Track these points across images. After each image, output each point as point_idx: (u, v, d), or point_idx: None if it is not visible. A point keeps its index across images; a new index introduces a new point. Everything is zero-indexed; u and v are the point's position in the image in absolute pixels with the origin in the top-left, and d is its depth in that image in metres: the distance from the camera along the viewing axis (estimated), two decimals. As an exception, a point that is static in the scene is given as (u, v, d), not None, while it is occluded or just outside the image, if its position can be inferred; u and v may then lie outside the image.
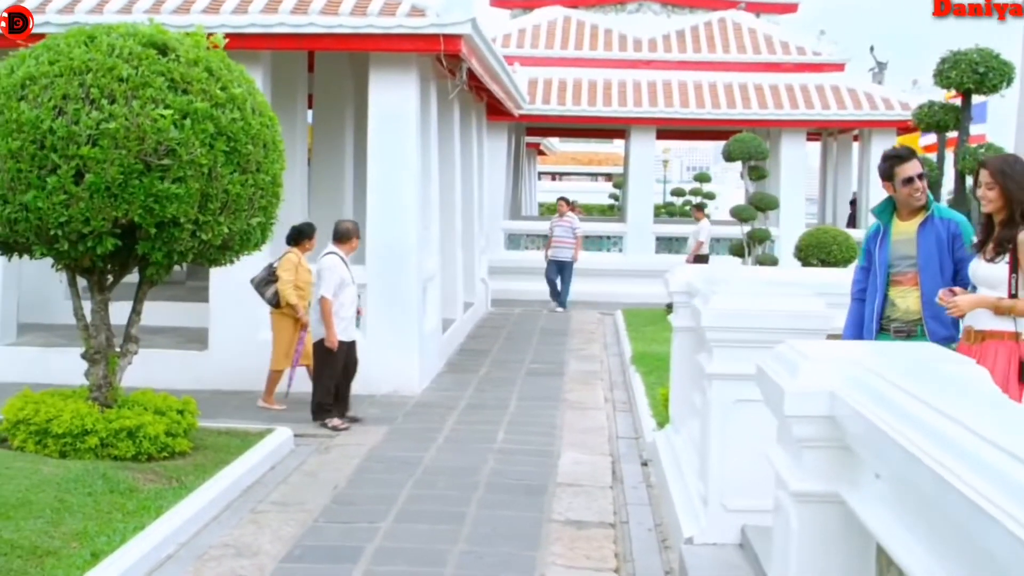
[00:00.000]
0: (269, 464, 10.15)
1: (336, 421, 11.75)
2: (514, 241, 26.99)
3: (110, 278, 10.02)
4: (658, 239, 27.10)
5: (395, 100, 13.84)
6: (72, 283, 10.04)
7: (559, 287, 23.60)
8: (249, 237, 9.79)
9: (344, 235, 12.26)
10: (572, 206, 25.47)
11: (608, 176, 65.71)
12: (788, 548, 4.51)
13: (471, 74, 15.88)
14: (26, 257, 12.30)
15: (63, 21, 12.74)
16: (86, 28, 9.63)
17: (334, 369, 11.95)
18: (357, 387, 13.42)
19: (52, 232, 8.99)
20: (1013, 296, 6.09)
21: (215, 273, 13.73)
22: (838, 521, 4.36)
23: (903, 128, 25.61)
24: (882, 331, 7.19)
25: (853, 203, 29.73)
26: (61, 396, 10.03)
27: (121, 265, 9.81)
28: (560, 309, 23.17)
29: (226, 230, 9.39)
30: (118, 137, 8.76)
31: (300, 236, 12.63)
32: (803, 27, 30.85)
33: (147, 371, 11.48)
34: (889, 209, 7.28)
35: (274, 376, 12.71)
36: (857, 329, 7.41)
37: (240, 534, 8.12)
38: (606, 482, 9.84)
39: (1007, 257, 6.15)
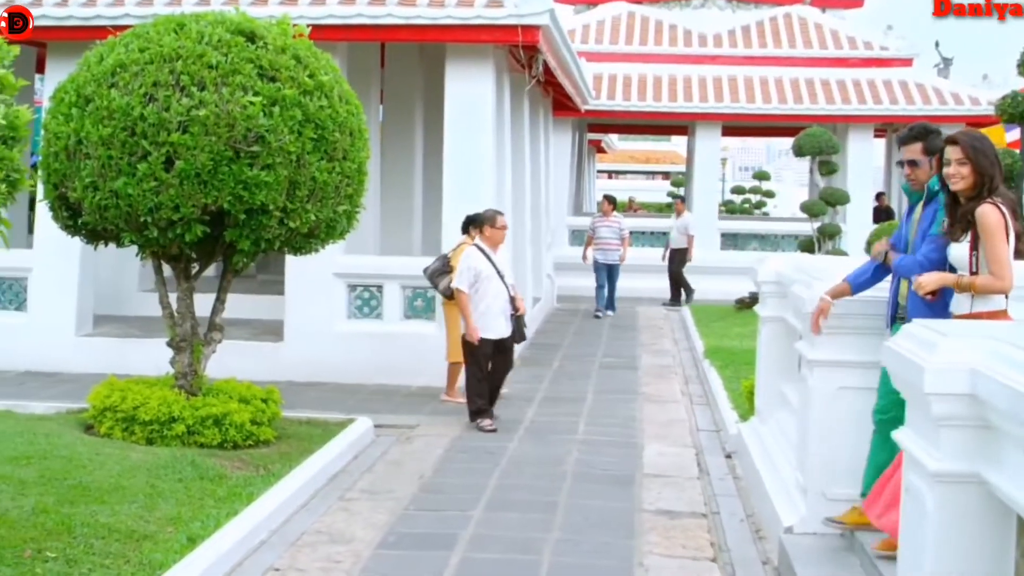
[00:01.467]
0: (352, 453, 10.13)
1: (486, 422, 11.21)
2: (578, 237, 26.82)
3: (196, 266, 10.04)
4: (723, 236, 26.90)
5: (472, 92, 13.80)
6: (158, 271, 10.07)
7: (608, 291, 21.86)
8: (335, 225, 9.77)
9: (476, 221, 11.84)
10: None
11: (665, 174, 65.35)
12: (923, 531, 4.41)
13: (542, 67, 15.83)
14: (102, 250, 12.47)
15: (142, 13, 12.86)
16: (174, 16, 9.64)
17: (478, 367, 11.36)
18: (433, 379, 13.44)
19: (142, 219, 9.02)
20: (975, 274, 5.90)
21: (291, 266, 13.76)
22: (978, 501, 4.26)
23: (972, 123, 25.28)
24: (895, 320, 6.71)
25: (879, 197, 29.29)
26: (146, 384, 10.06)
27: (207, 253, 9.83)
28: (610, 312, 21.70)
29: (313, 218, 9.38)
30: (208, 124, 8.77)
31: (473, 224, 12.09)
32: (869, 22, 30.49)
33: (223, 362, 11.48)
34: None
35: (453, 369, 12.65)
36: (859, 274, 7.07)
37: (331, 521, 8.10)
38: (692, 473, 9.74)
39: (970, 236, 5.95)
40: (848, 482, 7.07)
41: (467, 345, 11.37)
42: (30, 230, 13.64)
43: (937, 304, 6.32)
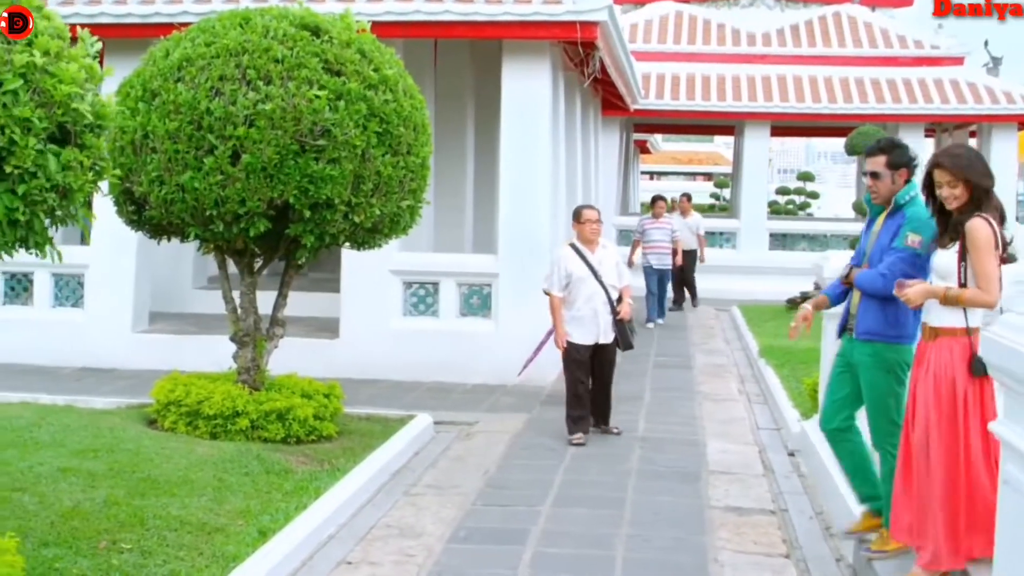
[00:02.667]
0: (414, 449, 10.11)
1: (577, 435, 10.48)
2: (624, 237, 26.69)
3: (259, 261, 10.04)
4: (772, 236, 26.75)
5: (528, 88, 13.73)
6: (221, 266, 10.07)
7: (658, 297, 20.34)
8: (399, 220, 9.74)
9: (573, 216, 11.10)
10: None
11: (708, 175, 65.15)
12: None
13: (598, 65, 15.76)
14: (156, 247, 12.50)
15: (200, 10, 12.88)
16: (239, 11, 9.64)
17: (573, 374, 10.64)
18: (489, 377, 13.41)
19: (208, 213, 9.02)
20: (963, 285, 5.85)
21: (347, 263, 13.77)
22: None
23: (1024, 123, 25.13)
24: (845, 330, 6.98)
25: None
26: (209, 379, 10.07)
27: (271, 248, 9.82)
28: (660, 321, 20.19)
29: (377, 212, 9.36)
30: (274, 118, 8.76)
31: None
32: (919, 21, 30.20)
33: (280, 358, 11.48)
34: None
35: None
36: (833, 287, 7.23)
37: (400, 515, 8.07)
38: (758, 470, 9.66)
39: (958, 245, 5.88)
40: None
41: (564, 353, 10.72)
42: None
43: (888, 314, 6.58)
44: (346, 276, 13.96)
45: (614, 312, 10.71)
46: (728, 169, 48.58)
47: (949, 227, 5.97)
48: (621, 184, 29.84)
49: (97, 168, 5.19)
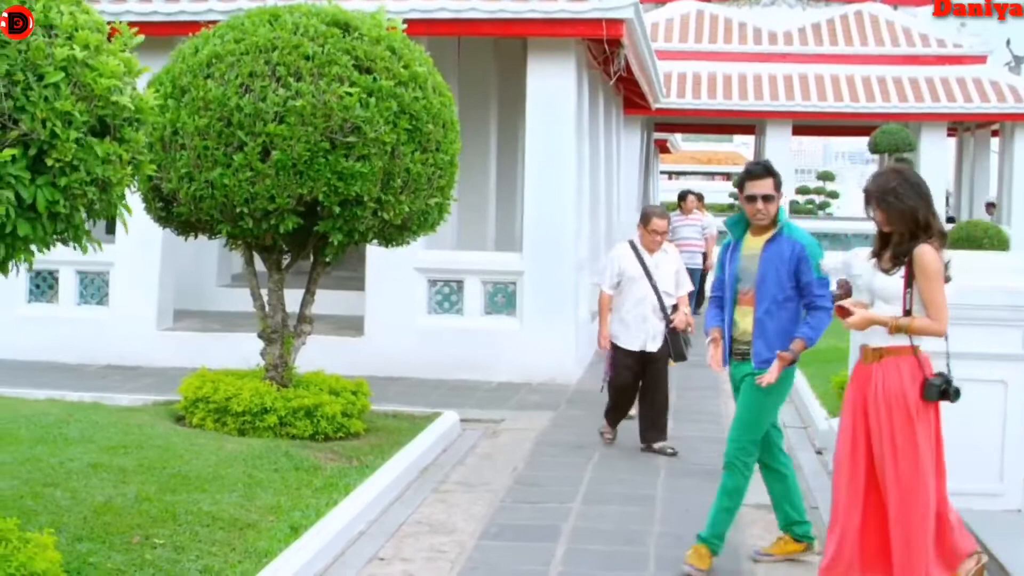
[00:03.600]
0: (441, 447, 10.11)
1: (607, 430, 10.42)
2: (646, 236, 26.76)
3: (287, 258, 10.05)
4: (794, 235, 26.70)
5: (554, 86, 13.73)
6: (249, 262, 10.07)
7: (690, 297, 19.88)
8: (427, 217, 9.74)
9: (641, 218, 10.46)
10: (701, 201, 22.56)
11: (726, 175, 65.06)
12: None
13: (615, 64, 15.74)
14: (180, 246, 12.51)
15: (226, 8, 12.89)
16: (267, 8, 9.65)
17: (618, 377, 10.22)
18: (514, 375, 13.40)
19: (237, 209, 9.02)
20: (907, 312, 5.78)
21: (372, 261, 13.79)
22: None
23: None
24: (731, 356, 6.98)
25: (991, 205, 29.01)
26: (237, 376, 10.08)
27: (299, 245, 9.83)
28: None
29: (406, 209, 9.35)
30: (305, 114, 8.76)
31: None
32: (941, 19, 30.05)
33: (305, 356, 11.49)
34: (743, 224, 6.92)
35: None
36: (719, 310, 7.10)
37: (430, 512, 8.07)
38: (787, 469, 9.63)
39: (903, 270, 5.80)
40: (963, 476, 7.03)
41: (611, 356, 10.29)
42: (108, 229, 13.72)
43: (784, 342, 6.65)
44: (371, 274, 13.97)
45: (667, 320, 10.13)
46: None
47: (893, 253, 5.86)
48: (642, 184, 29.81)
49: (136, 162, 5.19)
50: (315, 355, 12.37)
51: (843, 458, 6.00)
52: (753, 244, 6.80)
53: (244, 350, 11.41)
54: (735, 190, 45.39)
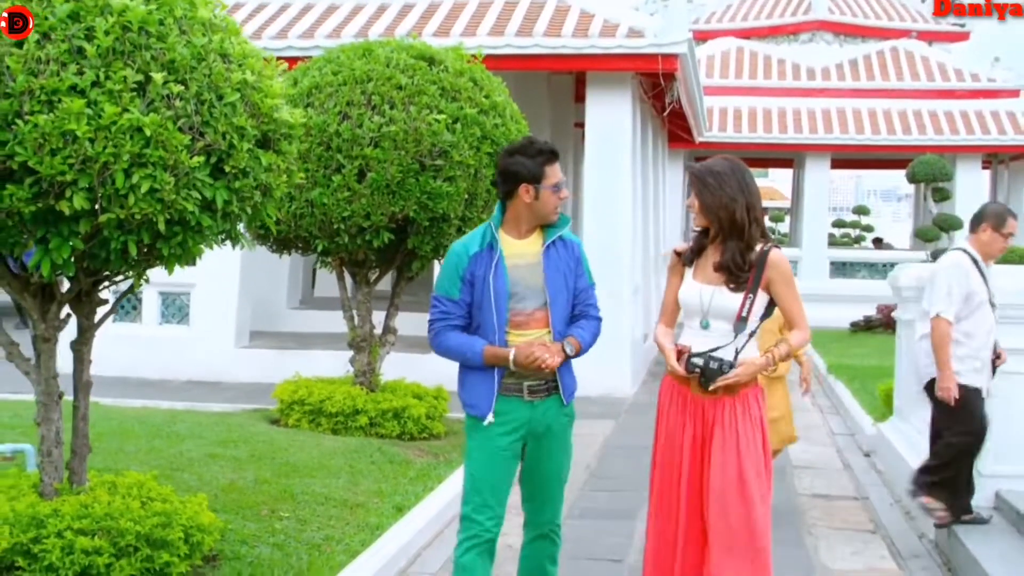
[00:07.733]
0: (516, 448, 10.85)
1: (936, 505, 7.37)
2: (689, 267, 27.45)
3: (375, 273, 10.89)
4: (832, 264, 27.43)
5: (612, 117, 14.58)
6: (340, 277, 10.91)
7: None
8: (504, 234, 10.55)
9: (990, 220, 7.44)
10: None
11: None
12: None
13: (663, 98, 16.54)
14: (255, 269, 13.27)
15: (331, 44, 13.78)
16: (360, 43, 10.54)
17: (982, 427, 7.38)
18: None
19: (335, 226, 9.88)
20: (743, 318, 5.03)
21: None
22: None
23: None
24: (505, 393, 5.27)
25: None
26: (327, 382, 10.92)
27: (387, 260, 10.66)
28: None
29: (487, 227, 10.18)
30: (398, 139, 9.63)
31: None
32: (975, 54, 30.72)
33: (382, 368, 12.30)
34: (489, 228, 5.27)
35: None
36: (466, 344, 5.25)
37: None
38: (838, 466, 10.40)
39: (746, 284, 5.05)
40: (1002, 459, 7.76)
41: (957, 404, 7.27)
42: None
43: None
44: (438, 294, 14.73)
45: (994, 354, 7.49)
46: (783, 204, 49.21)
47: (744, 264, 5.07)
48: (685, 217, 30.60)
49: (289, 171, 6.06)
50: (387, 369, 13.19)
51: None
52: (521, 250, 5.25)
53: (320, 366, 12.22)
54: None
